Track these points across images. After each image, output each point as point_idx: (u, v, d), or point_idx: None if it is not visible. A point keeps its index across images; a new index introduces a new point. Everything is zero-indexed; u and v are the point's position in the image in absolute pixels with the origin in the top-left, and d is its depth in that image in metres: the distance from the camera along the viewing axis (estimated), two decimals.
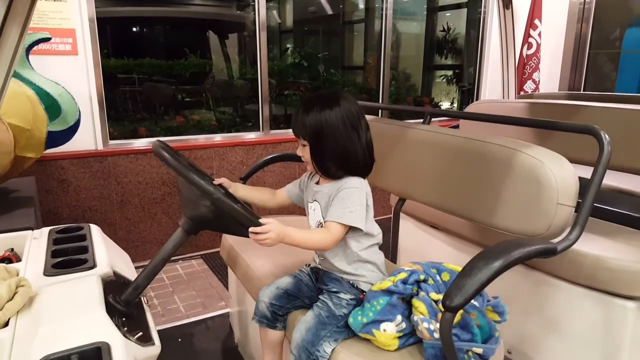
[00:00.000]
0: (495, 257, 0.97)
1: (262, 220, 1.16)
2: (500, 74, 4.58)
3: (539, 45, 4.36)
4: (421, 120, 1.82)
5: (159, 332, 1.17)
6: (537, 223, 1.17)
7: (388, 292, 1.13)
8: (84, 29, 2.86)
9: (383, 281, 1.18)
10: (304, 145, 1.32)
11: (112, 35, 4.36)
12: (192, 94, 4.90)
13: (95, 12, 2.91)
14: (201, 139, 3.47)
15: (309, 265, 1.51)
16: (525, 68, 4.44)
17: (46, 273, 1.23)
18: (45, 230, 1.58)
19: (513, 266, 0.97)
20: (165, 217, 3.31)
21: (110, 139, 3.14)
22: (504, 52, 2.61)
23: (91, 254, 1.36)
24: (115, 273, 1.29)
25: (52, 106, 2.24)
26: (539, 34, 4.36)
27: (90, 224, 1.62)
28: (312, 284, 1.45)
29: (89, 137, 2.99)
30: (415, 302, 1.10)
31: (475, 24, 5.03)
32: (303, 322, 1.29)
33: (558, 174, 1.13)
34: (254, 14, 3.72)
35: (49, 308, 1.06)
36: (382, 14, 4.15)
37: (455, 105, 5.57)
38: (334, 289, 1.35)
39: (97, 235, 1.53)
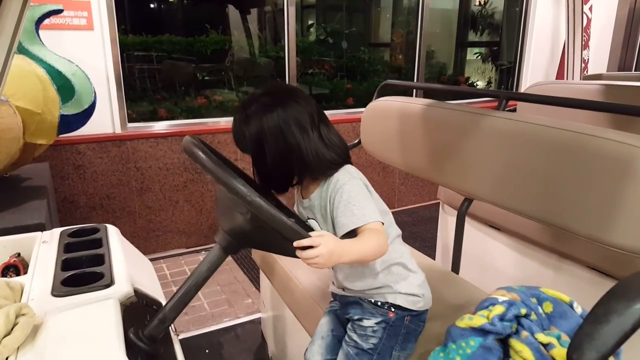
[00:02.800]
0: (635, 295, 0.72)
1: (312, 233, 0.90)
2: (550, 50, 4.24)
3: (589, 21, 3.99)
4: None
5: (183, 340, 0.95)
6: None
7: (481, 331, 0.89)
8: (100, 1, 2.62)
9: (474, 316, 0.93)
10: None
11: (129, 10, 4.14)
12: (213, 72, 4.67)
13: None
14: (222, 122, 3.24)
15: (332, 293, 1.27)
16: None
17: (55, 293, 1.02)
18: (56, 232, 1.37)
19: None
20: (188, 205, 3.11)
21: (129, 122, 2.93)
22: (570, 27, 2.31)
23: (108, 266, 1.14)
24: (136, 292, 1.07)
25: (65, 87, 2.02)
26: (590, 8, 3.98)
27: (107, 225, 1.40)
28: (343, 318, 1.22)
29: (107, 119, 2.79)
30: (516, 343, 0.86)
31: None
32: None
33: None
34: None
35: (55, 344, 0.85)
36: None
37: (493, 85, 5.23)
38: (356, 317, 1.13)
39: (115, 239, 1.32)
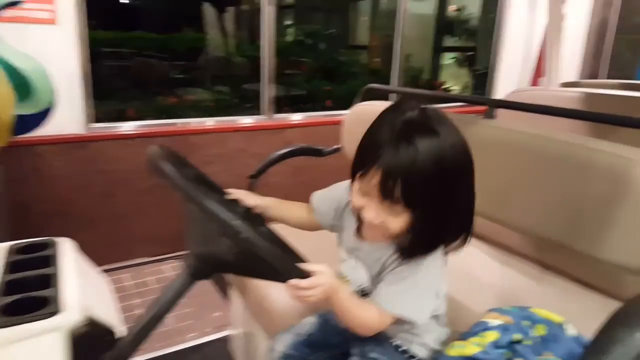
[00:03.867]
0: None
1: (311, 268, 0.79)
2: (522, 55, 4.24)
3: None
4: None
5: None
6: None
7: None
8: None
9: (466, 344, 0.85)
10: (394, 212, 0.81)
11: (100, 5, 3.96)
12: (187, 71, 4.53)
13: None
14: (194, 123, 3.10)
15: None
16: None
17: None
18: (2, 247, 1.23)
19: None
20: (155, 210, 2.97)
21: (95, 122, 2.77)
22: (550, 31, 2.27)
23: (56, 289, 1.02)
24: (89, 320, 0.95)
25: (21, 84, 1.87)
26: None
27: (61, 239, 1.27)
28: (343, 329, 1.11)
29: (71, 119, 2.62)
30: None
31: (492, 3, 4.67)
32: None
33: None
34: None
35: None
36: None
37: (469, 90, 5.23)
38: (372, 354, 0.99)
39: (68, 256, 1.19)
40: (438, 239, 0.86)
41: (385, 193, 0.78)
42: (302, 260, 0.82)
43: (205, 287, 2.61)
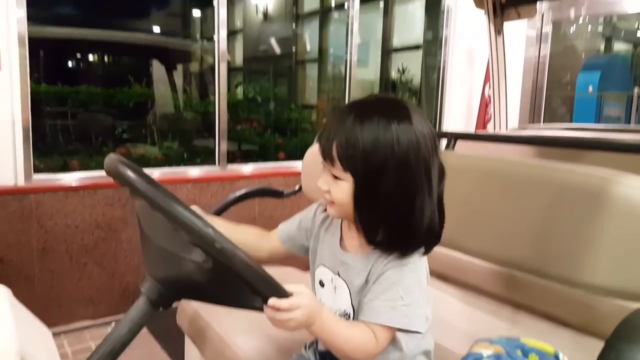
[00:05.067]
0: None
1: (290, 288, 0.73)
2: (465, 112, 4.50)
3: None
4: None
5: None
6: None
7: None
8: (10, 46, 2.39)
9: None
10: (337, 179, 0.82)
11: (45, 58, 3.88)
12: (135, 126, 4.43)
13: (27, 31, 2.46)
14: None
15: (313, 344, 1.05)
16: (488, 107, 4.38)
17: None
18: None
19: None
20: (98, 268, 2.76)
21: (35, 172, 2.60)
22: (495, 81, 2.41)
23: None
24: None
25: None
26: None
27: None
28: None
29: (8, 170, 2.45)
30: None
31: (432, 65, 4.99)
32: None
33: None
34: (202, 44, 3.40)
35: None
36: (346, 59, 3.95)
37: None
38: None
39: (3, 303, 1.05)
40: (390, 223, 0.82)
41: (325, 153, 0.82)
42: (277, 282, 0.74)
43: (155, 352, 2.40)
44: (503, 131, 2.31)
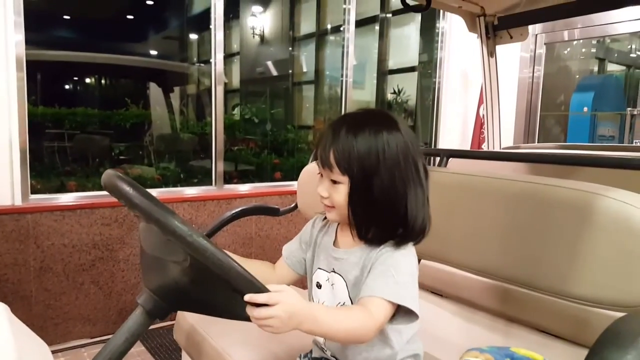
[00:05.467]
0: (632, 343, 0.65)
1: (271, 287, 0.74)
2: (460, 132, 4.56)
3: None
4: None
5: None
6: (635, 288, 0.87)
7: None
8: (9, 68, 2.44)
9: None
10: (336, 183, 0.89)
11: (42, 81, 3.93)
12: (132, 147, 4.46)
13: (25, 55, 2.50)
14: None
15: (309, 354, 1.08)
16: (482, 128, 4.44)
17: None
18: None
19: None
20: (95, 287, 2.76)
21: (32, 193, 2.62)
22: (488, 102, 2.46)
23: None
24: None
25: None
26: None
27: None
28: None
29: (6, 190, 2.47)
30: None
31: (427, 86, 5.07)
32: None
33: None
34: (199, 67, 3.46)
35: None
36: (342, 81, 4.03)
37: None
38: None
39: (1, 320, 1.06)
40: (382, 217, 0.89)
41: (323, 161, 0.89)
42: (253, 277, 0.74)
43: None
44: (497, 149, 2.35)
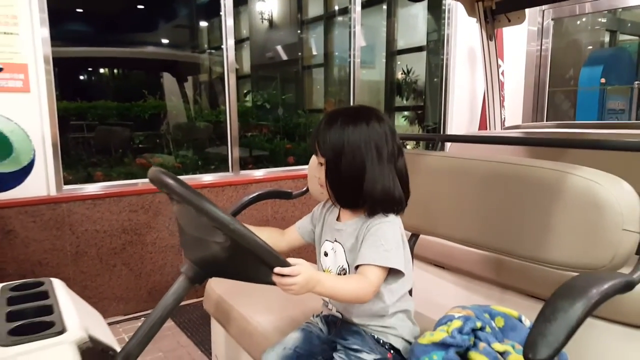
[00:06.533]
0: (578, 294, 0.81)
1: (290, 260, 0.95)
2: (469, 111, 4.65)
3: (502, 84, 4.44)
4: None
5: None
6: (599, 254, 1.03)
7: (442, 345, 0.94)
8: (37, 65, 2.60)
9: (435, 332, 0.98)
10: (321, 164, 1.16)
11: (64, 77, 4.12)
12: (151, 137, 4.65)
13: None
14: None
15: (321, 313, 1.28)
16: None
17: (2, 343, 0.95)
18: None
19: (599, 305, 0.82)
20: (126, 269, 2.98)
21: (65, 184, 2.83)
22: (488, 84, 2.59)
23: (58, 314, 1.09)
24: (91, 338, 1.02)
25: (2, 144, 1.96)
26: (502, 73, 4.45)
27: (52, 278, 1.34)
28: (325, 336, 1.23)
29: (41, 182, 2.68)
30: (475, 355, 0.91)
31: (435, 65, 5.12)
32: None
33: (620, 197, 1.01)
34: (210, 55, 3.57)
35: None
36: (349, 62, 4.13)
37: (421, 145, 5.58)
38: (354, 346, 1.13)
39: (62, 291, 1.26)
40: (348, 189, 1.12)
41: (312, 148, 1.16)
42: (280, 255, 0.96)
43: (182, 341, 2.62)
44: (492, 132, 2.48)
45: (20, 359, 0.89)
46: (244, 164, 3.83)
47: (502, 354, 0.92)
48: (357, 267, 1.09)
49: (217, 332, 1.73)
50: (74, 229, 2.79)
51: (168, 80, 5.14)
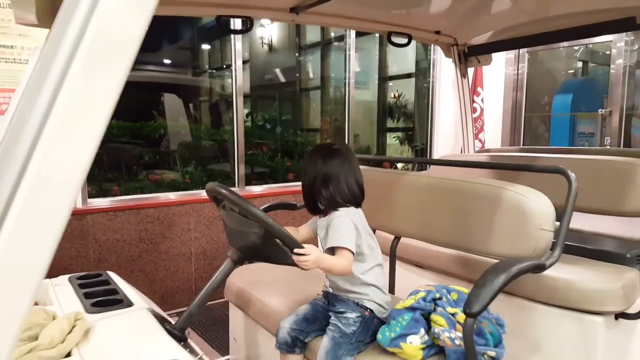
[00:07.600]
0: (501, 270, 1.19)
1: (305, 246, 1.35)
2: (453, 132, 5.06)
3: (482, 110, 4.88)
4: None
5: None
6: (524, 246, 1.41)
7: (411, 309, 1.31)
8: None
9: (406, 300, 1.36)
10: None
11: None
12: (159, 154, 5.00)
13: None
14: (172, 196, 3.56)
15: (320, 294, 1.69)
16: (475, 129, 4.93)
17: (89, 311, 1.30)
18: (63, 278, 1.64)
19: (516, 278, 1.19)
20: (142, 275, 3.32)
21: (89, 198, 3.18)
22: (462, 114, 2.99)
23: (123, 295, 1.44)
24: (152, 311, 1.38)
25: None
26: (482, 100, 4.89)
27: (108, 271, 1.70)
28: (326, 306, 1.64)
29: None
30: (434, 317, 1.28)
31: (423, 90, 5.54)
32: (322, 347, 1.46)
33: (539, 206, 1.40)
34: (214, 79, 3.85)
35: (109, 338, 1.14)
36: (345, 83, 4.51)
37: (410, 164, 6.00)
38: (341, 309, 1.53)
39: (118, 279, 1.62)
40: (312, 197, 1.56)
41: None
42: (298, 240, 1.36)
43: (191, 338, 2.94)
44: (470, 153, 2.89)
45: (108, 320, 1.24)
46: (247, 180, 4.19)
47: (453, 315, 1.29)
48: (331, 249, 1.48)
49: (235, 317, 2.08)
50: (97, 238, 3.13)
51: (174, 101, 5.51)
